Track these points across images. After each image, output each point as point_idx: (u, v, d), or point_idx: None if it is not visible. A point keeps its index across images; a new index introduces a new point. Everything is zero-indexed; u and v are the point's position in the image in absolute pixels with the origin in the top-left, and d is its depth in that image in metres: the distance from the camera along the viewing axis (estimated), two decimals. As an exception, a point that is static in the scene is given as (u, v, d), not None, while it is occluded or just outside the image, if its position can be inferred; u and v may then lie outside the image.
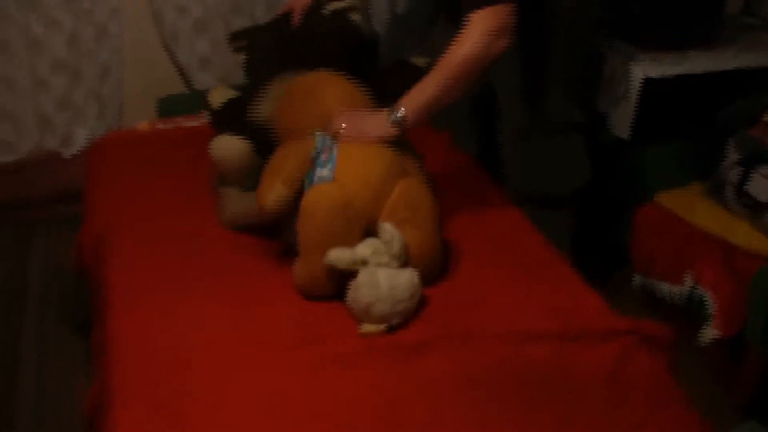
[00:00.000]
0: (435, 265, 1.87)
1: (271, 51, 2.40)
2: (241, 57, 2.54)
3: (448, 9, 2.36)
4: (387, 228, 1.76)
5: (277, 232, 1.94)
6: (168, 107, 2.80)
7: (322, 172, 1.80)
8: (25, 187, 3.14)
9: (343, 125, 1.93)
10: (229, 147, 2.04)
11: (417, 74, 2.01)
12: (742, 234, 2.34)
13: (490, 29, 1.88)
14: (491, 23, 1.88)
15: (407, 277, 1.71)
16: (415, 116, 1.93)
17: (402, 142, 1.96)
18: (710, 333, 2.23)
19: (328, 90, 2.06)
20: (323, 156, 1.82)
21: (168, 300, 1.81)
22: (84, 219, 2.30)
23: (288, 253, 1.87)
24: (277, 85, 2.19)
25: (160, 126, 2.65)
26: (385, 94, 2.05)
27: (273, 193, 1.79)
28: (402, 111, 1.91)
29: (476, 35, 1.89)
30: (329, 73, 2.13)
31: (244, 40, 2.51)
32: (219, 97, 2.38)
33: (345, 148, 1.86)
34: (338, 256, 1.71)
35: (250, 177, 2.02)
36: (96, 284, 2.02)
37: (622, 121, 2.63)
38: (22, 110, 2.93)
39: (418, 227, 1.82)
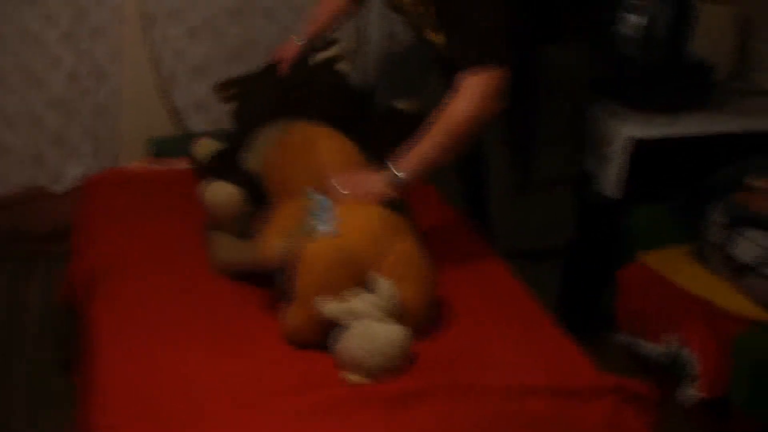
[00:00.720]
0: (428, 322, 1.88)
1: (259, 101, 2.44)
2: (230, 105, 2.58)
3: (443, 62, 2.40)
4: (385, 285, 1.77)
5: (265, 279, 1.94)
6: (162, 148, 2.83)
7: (324, 225, 1.82)
8: (21, 223, 3.14)
9: (342, 187, 1.94)
10: (222, 193, 2.06)
11: (407, 120, 2.04)
12: (726, 296, 2.35)
13: (484, 93, 1.92)
14: (486, 87, 1.92)
15: (401, 335, 1.71)
16: (413, 177, 1.96)
17: (401, 204, 1.99)
18: (693, 393, 2.24)
19: (321, 144, 2.09)
20: (323, 210, 1.85)
21: (155, 341, 1.81)
22: (74, 255, 2.30)
23: (278, 299, 1.87)
24: (267, 135, 2.21)
25: (154, 166, 2.67)
26: (376, 142, 2.08)
27: (275, 246, 1.81)
28: (401, 173, 1.94)
29: (471, 98, 1.92)
30: (320, 127, 2.16)
31: (233, 89, 2.55)
32: (204, 149, 2.42)
33: (344, 205, 1.90)
34: (334, 308, 1.72)
35: (241, 223, 2.04)
36: (85, 321, 2.02)
37: (609, 180, 2.67)
38: (17, 144, 2.94)
39: (415, 285, 1.83)
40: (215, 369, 1.72)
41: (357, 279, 1.80)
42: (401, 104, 2.43)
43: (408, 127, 1.99)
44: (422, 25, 2.18)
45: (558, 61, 2.21)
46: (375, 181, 1.96)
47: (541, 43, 2.18)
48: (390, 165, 1.96)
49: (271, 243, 1.82)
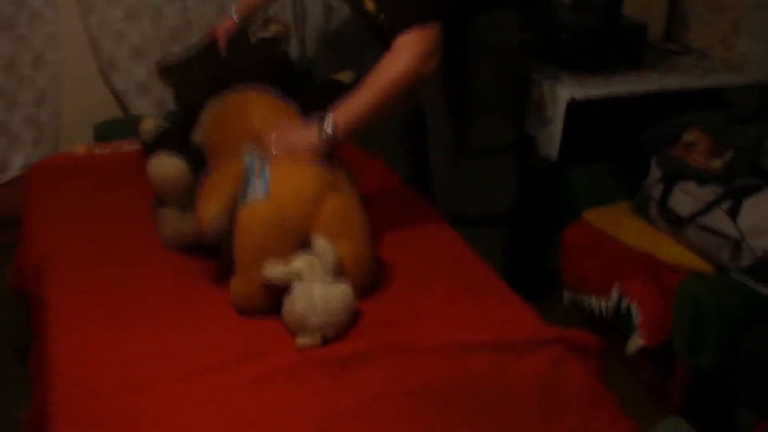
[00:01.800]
0: (369, 279, 1.91)
1: (200, 79, 2.43)
2: (171, 85, 2.58)
3: (379, 33, 2.42)
4: (320, 242, 1.80)
5: (215, 252, 1.97)
6: (105, 132, 2.81)
7: (256, 190, 1.83)
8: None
9: (274, 145, 1.96)
10: (167, 166, 2.05)
11: (343, 90, 2.05)
12: (666, 248, 2.42)
13: (419, 51, 1.94)
14: (419, 46, 1.94)
15: (341, 290, 1.74)
16: (345, 130, 1.96)
17: (335, 160, 2.01)
18: (636, 342, 2.30)
19: (256, 106, 2.12)
20: (255, 175, 1.86)
21: (108, 318, 1.83)
22: (22, 241, 2.30)
23: (226, 271, 1.90)
24: (210, 109, 2.23)
25: (97, 150, 2.66)
26: (313, 112, 2.09)
27: (210, 212, 1.82)
28: (332, 124, 1.95)
29: (405, 56, 1.94)
30: (257, 91, 2.18)
31: (173, 73, 2.54)
32: (150, 126, 2.41)
33: (277, 165, 1.90)
34: (273, 270, 1.75)
35: (187, 197, 2.04)
36: (35, 305, 2.03)
37: (550, 142, 2.72)
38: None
39: (352, 240, 1.87)
40: (165, 343, 1.75)
41: (295, 240, 1.82)
42: (339, 75, 2.45)
43: (343, 96, 2.00)
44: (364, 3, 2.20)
45: (490, 27, 2.24)
46: (306, 137, 1.97)
47: (474, 10, 2.21)
48: (322, 120, 1.96)
49: (207, 212, 1.82)
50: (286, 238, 1.81)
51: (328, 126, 1.95)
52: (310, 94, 2.32)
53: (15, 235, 2.40)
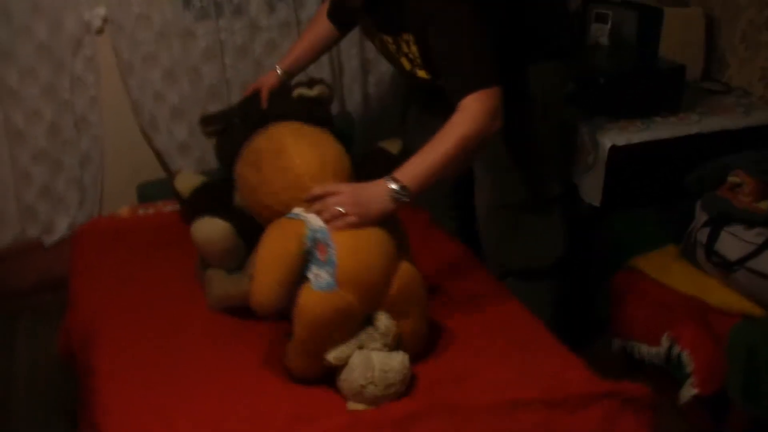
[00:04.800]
0: (422, 347, 1.89)
1: (240, 132, 2.43)
2: (213, 140, 2.58)
3: (420, 98, 2.42)
4: (383, 321, 1.77)
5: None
6: (148, 192, 2.85)
7: (321, 275, 1.74)
8: (8, 277, 3.14)
9: (338, 204, 1.81)
10: (211, 229, 2.04)
11: (392, 161, 2.01)
12: (715, 293, 2.38)
13: (485, 111, 1.91)
14: (486, 105, 1.91)
15: (399, 361, 1.73)
16: (416, 189, 1.86)
17: (393, 220, 1.91)
18: (689, 391, 2.25)
19: (290, 148, 1.97)
20: (319, 252, 1.76)
21: (156, 385, 1.82)
22: (70, 305, 2.32)
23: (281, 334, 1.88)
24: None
25: (141, 211, 2.68)
26: (361, 180, 2.04)
27: (266, 291, 1.75)
28: (404, 183, 1.85)
29: (472, 116, 1.91)
30: (284, 126, 2.10)
31: (216, 123, 2.54)
32: (187, 182, 2.41)
33: (343, 241, 1.77)
34: (338, 356, 1.72)
35: (233, 258, 2.05)
36: (84, 371, 2.03)
37: (592, 190, 2.70)
38: (4, 200, 2.97)
39: (413, 317, 1.84)
40: (213, 409, 1.74)
41: (360, 321, 1.78)
42: (385, 144, 2.43)
43: (392, 167, 1.91)
44: (406, 64, 2.20)
45: (537, 79, 2.24)
46: (377, 197, 1.85)
47: (522, 64, 2.22)
48: (390, 181, 1.85)
49: (263, 290, 1.75)
50: (352, 321, 1.77)
51: (400, 188, 1.85)
52: (356, 160, 2.31)
53: (62, 297, 2.42)
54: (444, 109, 1.96)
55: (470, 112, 1.91)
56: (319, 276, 1.74)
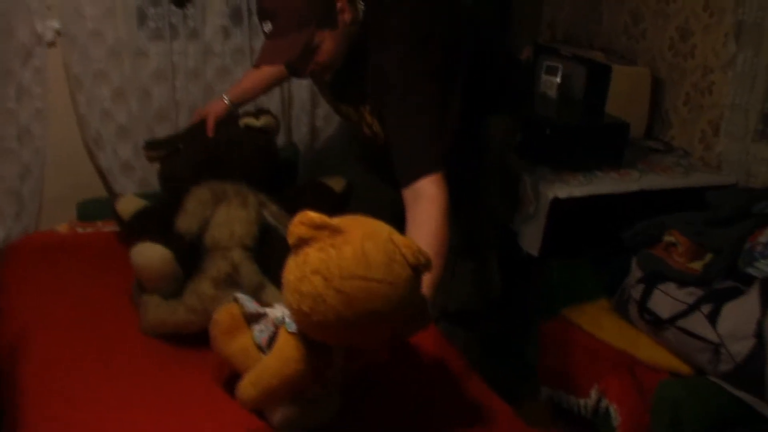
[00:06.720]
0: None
1: (186, 160, 2.43)
2: (156, 165, 2.57)
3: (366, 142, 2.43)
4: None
5: (195, 338, 1.94)
6: (88, 211, 2.81)
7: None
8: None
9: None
10: (151, 254, 2.02)
11: (332, 197, 2.00)
12: (645, 348, 2.43)
13: (445, 193, 1.91)
14: (442, 187, 1.91)
15: None
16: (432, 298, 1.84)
17: None
18: (615, 445, 2.30)
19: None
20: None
21: (83, 402, 1.80)
22: (-2, 319, 2.28)
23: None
24: (197, 196, 2.22)
25: (80, 229, 2.65)
26: (297, 210, 2.06)
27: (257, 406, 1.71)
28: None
29: (440, 205, 1.90)
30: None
31: (160, 149, 2.54)
32: (128, 206, 2.40)
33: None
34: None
35: (170, 284, 2.04)
36: (8, 384, 1.99)
37: (532, 239, 2.74)
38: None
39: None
40: (146, 427, 1.72)
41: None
42: (329, 181, 2.45)
43: (332, 205, 1.93)
44: (363, 127, 2.22)
45: (494, 131, 2.27)
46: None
47: (479, 116, 2.25)
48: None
49: (259, 404, 1.70)
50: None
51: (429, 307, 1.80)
52: (296, 191, 2.31)
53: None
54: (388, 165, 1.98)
55: (437, 202, 1.91)
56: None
